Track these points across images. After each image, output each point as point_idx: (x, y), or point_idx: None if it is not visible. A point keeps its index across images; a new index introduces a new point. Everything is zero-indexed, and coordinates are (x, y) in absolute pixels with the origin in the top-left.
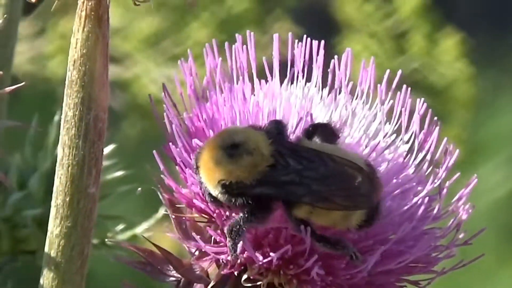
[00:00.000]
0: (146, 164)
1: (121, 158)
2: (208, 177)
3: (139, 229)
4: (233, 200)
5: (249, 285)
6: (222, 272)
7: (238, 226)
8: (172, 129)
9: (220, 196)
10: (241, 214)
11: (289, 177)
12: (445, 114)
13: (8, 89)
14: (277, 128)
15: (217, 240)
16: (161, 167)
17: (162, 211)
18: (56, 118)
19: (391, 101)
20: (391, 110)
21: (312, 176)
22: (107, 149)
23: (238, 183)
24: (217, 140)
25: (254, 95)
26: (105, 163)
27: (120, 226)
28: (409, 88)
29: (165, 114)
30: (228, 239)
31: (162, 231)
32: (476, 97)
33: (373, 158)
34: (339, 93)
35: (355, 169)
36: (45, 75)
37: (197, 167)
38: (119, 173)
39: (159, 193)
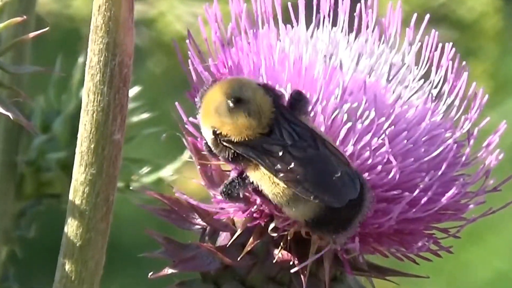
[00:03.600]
0: (171, 107)
1: (146, 96)
2: (204, 118)
3: (164, 172)
4: (219, 150)
5: (275, 234)
6: (249, 224)
7: (230, 190)
8: (197, 76)
9: (210, 141)
10: (233, 177)
11: (273, 148)
12: (474, 48)
13: (31, 34)
14: (295, 99)
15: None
16: (185, 119)
17: (187, 153)
18: (80, 60)
19: (419, 44)
20: (418, 56)
21: (296, 155)
22: (132, 91)
23: (227, 136)
24: (226, 87)
25: (280, 40)
26: (130, 105)
27: (145, 169)
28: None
29: (189, 61)
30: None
31: (188, 177)
32: (504, 31)
33: (400, 105)
34: (366, 37)
35: (341, 162)
36: (69, 13)
37: (200, 105)
38: (144, 116)
39: (184, 140)
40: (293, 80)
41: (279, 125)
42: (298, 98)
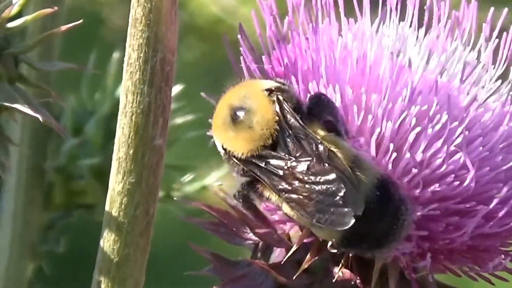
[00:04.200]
0: (205, 99)
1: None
2: (214, 132)
3: (209, 180)
4: (231, 165)
5: (335, 251)
6: (306, 240)
7: (239, 194)
8: (249, 75)
9: (222, 155)
10: (241, 184)
11: (276, 165)
12: None
13: (64, 27)
14: (313, 103)
15: None
16: None
17: None
18: (115, 55)
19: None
20: (495, 54)
21: (298, 174)
22: (174, 90)
23: (231, 152)
24: (230, 97)
25: (342, 36)
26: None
27: (187, 177)
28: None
29: (241, 58)
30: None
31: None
32: None
33: (475, 108)
34: (437, 33)
35: (346, 178)
36: None
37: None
38: (188, 117)
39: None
40: (356, 80)
41: (284, 136)
42: (317, 102)
